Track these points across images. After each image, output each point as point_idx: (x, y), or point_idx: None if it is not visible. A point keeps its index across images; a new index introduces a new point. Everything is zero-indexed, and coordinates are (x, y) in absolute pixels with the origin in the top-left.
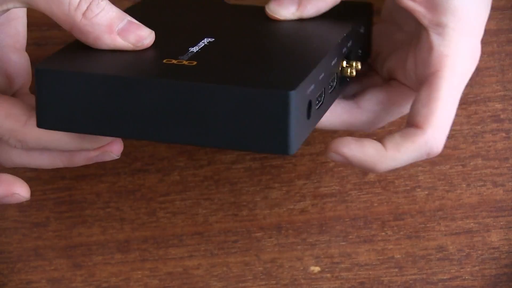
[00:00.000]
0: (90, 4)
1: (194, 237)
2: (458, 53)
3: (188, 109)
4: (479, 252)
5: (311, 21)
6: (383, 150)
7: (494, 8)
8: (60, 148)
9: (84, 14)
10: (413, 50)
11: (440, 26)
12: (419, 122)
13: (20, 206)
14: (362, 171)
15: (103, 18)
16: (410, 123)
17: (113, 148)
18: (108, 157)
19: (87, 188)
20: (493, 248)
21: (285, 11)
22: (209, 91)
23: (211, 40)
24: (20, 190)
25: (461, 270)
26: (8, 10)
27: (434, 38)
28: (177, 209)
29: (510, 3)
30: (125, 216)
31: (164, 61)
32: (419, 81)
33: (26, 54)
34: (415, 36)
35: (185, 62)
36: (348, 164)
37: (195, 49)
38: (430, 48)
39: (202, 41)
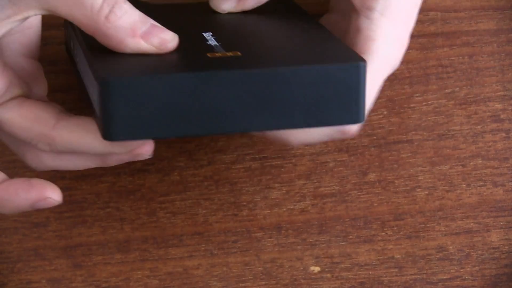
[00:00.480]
0: (113, 7)
1: (194, 237)
2: (384, 38)
3: (264, 96)
4: (479, 252)
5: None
6: None
7: (494, 8)
8: (90, 151)
9: (107, 17)
10: (344, 34)
11: (369, 9)
12: None
13: None
14: (363, 171)
15: (126, 21)
16: None
17: (146, 149)
18: (141, 158)
19: (87, 188)
20: (493, 248)
21: (226, 5)
22: (285, 74)
23: (213, 34)
24: (52, 194)
25: (461, 270)
26: (28, 17)
27: (362, 21)
28: (177, 209)
29: (510, 3)
30: (125, 216)
31: (209, 55)
32: None
33: (39, 64)
34: (348, 18)
35: (230, 54)
36: (264, 136)
37: (213, 43)
38: (357, 30)
39: (207, 36)
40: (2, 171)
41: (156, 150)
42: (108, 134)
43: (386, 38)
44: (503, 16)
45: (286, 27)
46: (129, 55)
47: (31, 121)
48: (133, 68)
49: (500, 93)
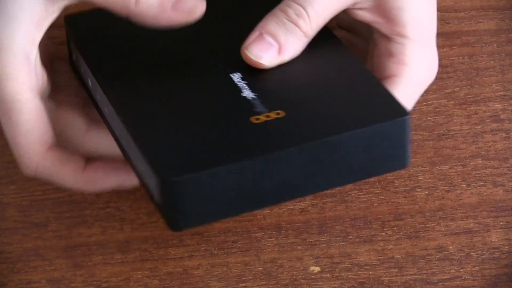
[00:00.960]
0: None
1: (194, 237)
2: (417, 64)
3: (322, 160)
4: (479, 252)
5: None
6: None
7: (494, 8)
8: (116, 155)
9: (136, 1)
10: (370, 54)
11: (401, 36)
12: None
13: (20, 206)
14: None
15: (153, 0)
16: None
17: None
18: None
19: None
20: (493, 248)
21: (266, 58)
22: (341, 140)
23: (242, 76)
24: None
25: (461, 270)
26: (65, 6)
27: (395, 46)
28: None
29: (510, 3)
30: (125, 216)
31: (253, 120)
32: None
33: (67, 64)
34: (372, 41)
35: (274, 115)
36: None
37: (248, 95)
38: (389, 55)
39: (237, 81)
40: (2, 171)
41: None
42: (175, 226)
43: (419, 63)
44: (503, 16)
45: (324, 69)
46: (174, 127)
47: (63, 126)
48: (190, 156)
49: (500, 93)
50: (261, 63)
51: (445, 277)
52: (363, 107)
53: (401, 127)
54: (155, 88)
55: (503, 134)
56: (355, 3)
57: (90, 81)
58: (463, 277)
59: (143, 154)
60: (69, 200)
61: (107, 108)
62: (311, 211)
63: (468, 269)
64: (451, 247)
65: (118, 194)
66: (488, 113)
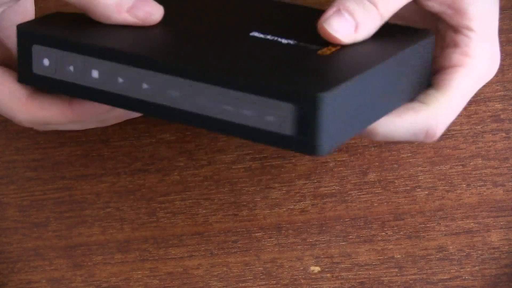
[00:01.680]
0: None
1: (194, 237)
2: (480, 56)
3: (397, 76)
4: (479, 252)
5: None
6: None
7: None
8: (59, 123)
9: None
10: (435, 47)
11: (468, 29)
12: (425, 99)
13: (20, 206)
14: (363, 171)
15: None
16: (417, 99)
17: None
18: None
19: (87, 188)
20: (493, 248)
21: (344, 30)
22: (405, 54)
23: (263, 33)
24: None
25: (461, 270)
26: None
27: (461, 38)
28: (177, 209)
29: (510, 3)
30: (125, 216)
31: (321, 53)
32: (434, 71)
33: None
34: (437, 32)
35: (332, 48)
36: None
37: (288, 41)
38: (455, 45)
39: (262, 36)
40: (2, 171)
41: (156, 150)
42: (318, 149)
43: (482, 56)
44: (503, 16)
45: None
46: (271, 66)
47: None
48: (310, 80)
49: (500, 93)
50: (337, 37)
51: (445, 277)
52: (400, 34)
53: (429, 46)
54: (202, 44)
55: (503, 134)
56: None
57: (99, 73)
58: (463, 277)
59: (269, 90)
60: (69, 200)
61: (166, 86)
62: (311, 211)
63: (468, 269)
64: (451, 247)
65: (118, 194)
66: (488, 113)
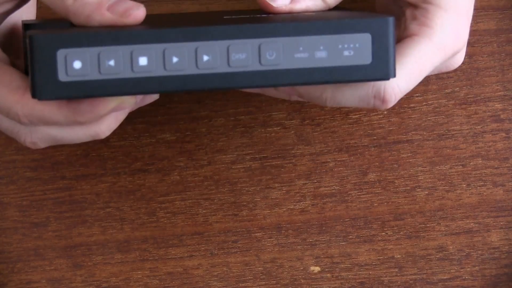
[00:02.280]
0: None
1: (194, 237)
2: (439, 26)
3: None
4: (479, 252)
5: None
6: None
7: (494, 8)
8: (55, 122)
9: None
10: (398, 28)
11: (426, 2)
12: None
13: (20, 206)
14: (363, 171)
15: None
16: None
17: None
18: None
19: (87, 188)
20: (493, 248)
21: (280, 1)
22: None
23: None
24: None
25: (461, 270)
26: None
27: (419, 11)
28: (177, 209)
29: (510, 3)
30: (125, 216)
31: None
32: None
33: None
34: (402, 14)
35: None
36: (296, 95)
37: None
38: (413, 18)
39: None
40: (2, 171)
41: (156, 150)
42: (391, 72)
43: (442, 27)
44: (503, 16)
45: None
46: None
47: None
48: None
49: (500, 93)
50: (271, 5)
51: (445, 277)
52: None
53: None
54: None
55: (503, 134)
56: None
57: (148, 59)
58: (463, 277)
59: (346, 26)
60: (69, 200)
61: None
62: (311, 211)
63: (468, 269)
64: (451, 247)
65: (118, 194)
66: (488, 113)
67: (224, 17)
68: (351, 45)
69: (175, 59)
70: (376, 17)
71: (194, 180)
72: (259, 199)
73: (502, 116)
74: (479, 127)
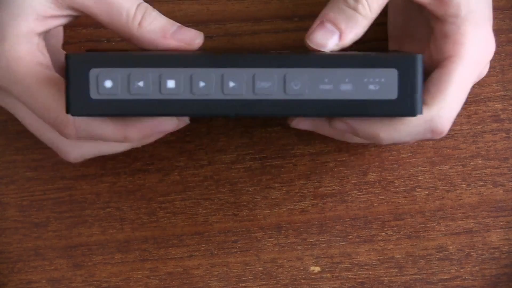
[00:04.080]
0: (144, 13)
1: (194, 237)
2: (472, 42)
3: None
4: (479, 252)
5: None
6: (387, 120)
7: (494, 8)
8: (107, 139)
9: (140, 23)
10: (427, 46)
11: (454, 16)
12: (426, 100)
13: (20, 206)
14: (363, 171)
15: (156, 25)
16: None
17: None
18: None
19: (87, 188)
20: (493, 248)
21: (331, 42)
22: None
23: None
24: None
25: (461, 270)
26: (70, 15)
27: (449, 28)
28: (177, 209)
29: (510, 3)
30: (125, 216)
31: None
32: (433, 68)
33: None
34: (428, 36)
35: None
36: (351, 133)
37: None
38: (445, 36)
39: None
40: (2, 171)
41: (156, 150)
42: (418, 108)
43: (474, 41)
44: (503, 16)
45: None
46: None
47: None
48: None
49: (500, 93)
50: (323, 50)
51: (445, 277)
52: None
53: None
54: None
55: (503, 134)
56: None
57: (175, 82)
58: (463, 277)
59: (373, 61)
60: (69, 200)
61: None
62: (311, 211)
63: (468, 269)
64: (451, 247)
65: (118, 194)
66: (488, 113)
67: (271, 51)
68: (377, 80)
69: (202, 84)
70: (404, 53)
71: (194, 180)
72: (259, 199)
73: (502, 116)
74: (479, 127)
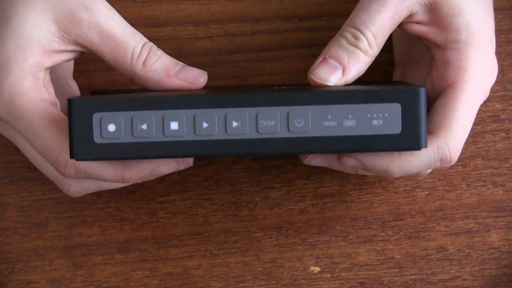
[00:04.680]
0: (148, 53)
1: (194, 237)
2: (474, 66)
3: None
4: (479, 252)
5: None
6: (397, 153)
7: (494, 8)
8: (105, 180)
9: (144, 62)
10: (430, 73)
11: (455, 42)
12: (432, 129)
13: (20, 206)
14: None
15: (160, 64)
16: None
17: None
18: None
19: None
20: (493, 248)
21: (333, 77)
22: None
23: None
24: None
25: (461, 270)
26: (76, 50)
27: (450, 54)
28: (177, 209)
29: (510, 3)
30: (125, 216)
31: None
32: (437, 96)
33: (75, 82)
34: (430, 57)
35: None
36: (362, 169)
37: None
38: (446, 63)
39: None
40: (2, 171)
41: None
42: (422, 142)
43: (477, 66)
44: (503, 16)
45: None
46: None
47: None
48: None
49: (500, 93)
50: (327, 85)
51: (445, 277)
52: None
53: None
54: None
55: (503, 134)
56: (409, 16)
57: (179, 124)
58: (463, 277)
59: (376, 96)
60: (69, 200)
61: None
62: (311, 211)
63: (468, 269)
64: (451, 247)
65: (118, 194)
66: (488, 113)
67: (274, 87)
68: (380, 115)
69: (205, 125)
70: (406, 87)
71: (194, 180)
72: (259, 199)
73: (502, 116)
74: (479, 127)
